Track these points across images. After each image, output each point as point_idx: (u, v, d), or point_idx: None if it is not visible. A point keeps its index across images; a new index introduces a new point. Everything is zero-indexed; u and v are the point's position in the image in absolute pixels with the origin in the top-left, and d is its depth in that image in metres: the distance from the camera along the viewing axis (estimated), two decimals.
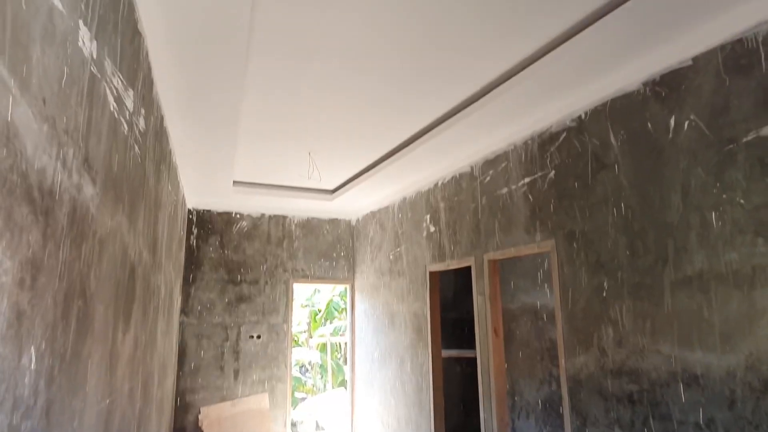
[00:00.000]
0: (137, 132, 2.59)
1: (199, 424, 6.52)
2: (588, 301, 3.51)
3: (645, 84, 3.20)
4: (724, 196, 2.70)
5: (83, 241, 1.62)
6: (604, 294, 3.38)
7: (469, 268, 6.82)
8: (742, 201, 2.60)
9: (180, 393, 6.64)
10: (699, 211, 2.83)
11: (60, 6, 1.31)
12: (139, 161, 2.71)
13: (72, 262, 1.50)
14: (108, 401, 2.19)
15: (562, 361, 3.69)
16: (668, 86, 3.05)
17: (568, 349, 3.65)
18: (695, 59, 2.91)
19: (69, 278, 1.48)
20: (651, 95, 3.16)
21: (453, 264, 5.20)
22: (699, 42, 2.85)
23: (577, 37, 2.94)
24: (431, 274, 5.67)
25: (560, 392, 5.52)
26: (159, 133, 3.49)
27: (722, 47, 2.77)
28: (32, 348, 1.20)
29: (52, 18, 1.25)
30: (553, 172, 3.93)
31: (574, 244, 3.66)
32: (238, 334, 7.01)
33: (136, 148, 2.59)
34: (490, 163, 4.72)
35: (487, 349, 4.59)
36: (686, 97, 2.94)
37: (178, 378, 6.66)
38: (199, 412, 6.62)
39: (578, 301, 3.59)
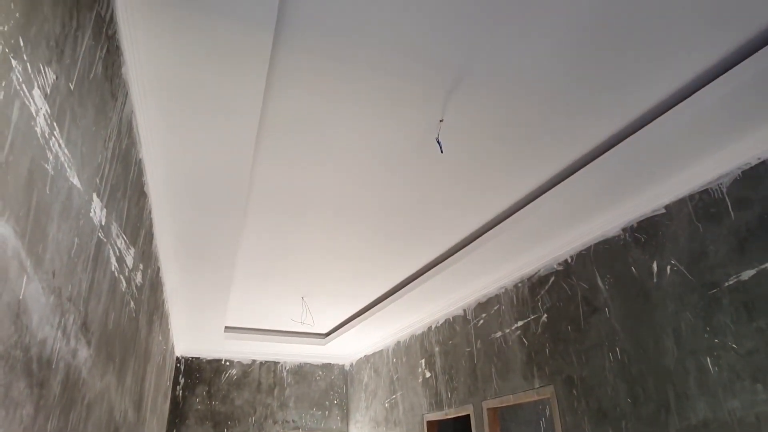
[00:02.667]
0: (134, 287, 2.64)
1: None
2: None
3: (624, 230, 3.37)
4: (716, 340, 2.71)
5: (72, 407, 1.59)
6: None
7: (468, 415, 6.51)
8: (734, 346, 2.61)
9: None
10: (694, 356, 2.82)
11: (78, 184, 1.43)
12: (134, 315, 2.72)
13: None
14: None
15: None
16: (646, 232, 3.21)
17: None
18: (668, 207, 3.10)
19: None
20: (631, 240, 3.31)
21: (451, 413, 4.98)
22: (669, 191, 3.06)
23: (557, 187, 3.15)
24: (429, 423, 5.40)
25: None
26: (154, 285, 3.54)
27: (691, 197, 2.97)
28: None
29: (70, 196, 1.36)
30: (546, 315, 3.95)
31: (574, 391, 3.56)
32: None
33: (132, 303, 2.62)
34: (482, 306, 4.75)
35: None
36: (665, 243, 3.08)
37: None
38: None
39: None
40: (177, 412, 6.58)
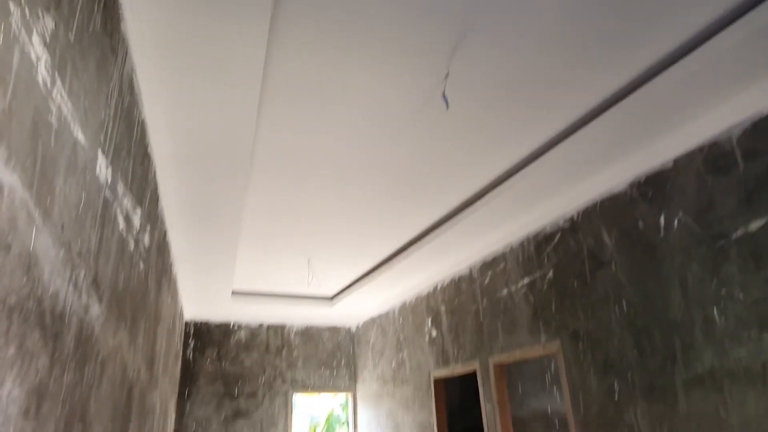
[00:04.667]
0: (142, 248, 2.65)
1: None
2: (601, 405, 3.39)
3: (631, 185, 3.34)
4: (723, 291, 2.72)
5: (86, 363, 1.61)
6: (617, 397, 3.27)
7: (475, 373, 6.63)
8: (741, 296, 2.62)
9: None
10: (700, 306, 2.83)
11: (83, 140, 1.41)
12: (143, 277, 2.74)
13: (75, 386, 1.48)
14: None
15: None
16: (653, 186, 3.18)
17: None
18: (676, 161, 3.06)
19: (71, 403, 1.45)
20: (638, 195, 3.28)
21: (457, 369, 5.06)
22: (678, 145, 3.01)
23: (564, 143, 3.11)
24: (436, 381, 5.50)
25: None
26: (161, 248, 3.55)
27: (700, 149, 2.93)
28: None
29: (75, 151, 1.34)
30: (552, 271, 3.97)
31: (580, 345, 3.60)
32: None
33: (141, 264, 2.63)
34: (488, 265, 4.76)
35: None
36: (672, 197, 3.06)
37: None
38: None
39: (590, 406, 3.47)
40: (188, 374, 6.73)
